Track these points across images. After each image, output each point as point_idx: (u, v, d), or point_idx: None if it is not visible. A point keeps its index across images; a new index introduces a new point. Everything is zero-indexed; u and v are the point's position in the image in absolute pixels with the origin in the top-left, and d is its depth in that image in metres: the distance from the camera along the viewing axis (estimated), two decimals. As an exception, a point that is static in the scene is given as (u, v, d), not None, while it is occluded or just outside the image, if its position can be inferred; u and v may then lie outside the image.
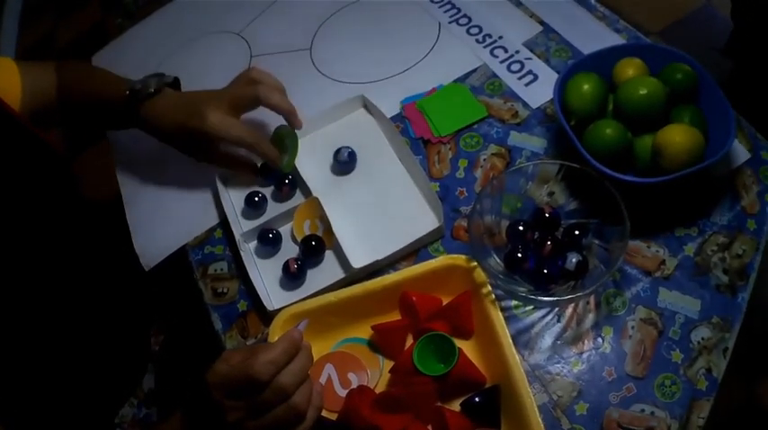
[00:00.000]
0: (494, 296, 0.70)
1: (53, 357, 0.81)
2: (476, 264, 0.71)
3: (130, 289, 1.00)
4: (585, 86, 0.77)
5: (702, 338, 0.70)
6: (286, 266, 0.78)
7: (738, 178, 0.79)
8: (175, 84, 0.91)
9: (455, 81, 0.92)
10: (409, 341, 0.73)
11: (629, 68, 0.79)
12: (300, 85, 0.96)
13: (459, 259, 0.72)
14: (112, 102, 0.87)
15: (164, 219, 0.88)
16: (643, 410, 0.67)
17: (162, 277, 0.88)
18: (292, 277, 0.78)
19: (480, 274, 0.71)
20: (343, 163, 0.86)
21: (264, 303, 0.76)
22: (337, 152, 0.87)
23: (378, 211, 0.82)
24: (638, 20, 0.93)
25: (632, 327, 0.72)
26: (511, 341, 0.67)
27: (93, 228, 0.93)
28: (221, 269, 0.83)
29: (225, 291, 0.82)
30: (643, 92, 0.75)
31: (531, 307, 0.74)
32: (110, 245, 0.96)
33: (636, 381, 0.68)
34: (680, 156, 0.72)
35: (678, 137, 0.72)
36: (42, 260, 0.79)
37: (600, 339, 0.71)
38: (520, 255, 0.72)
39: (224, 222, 0.85)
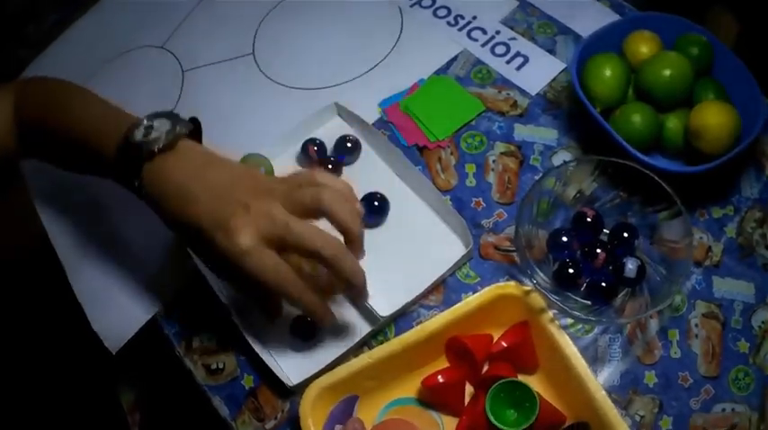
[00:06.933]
0: (558, 322, 0.61)
1: None
2: (529, 288, 0.62)
3: (90, 365, 0.82)
4: (608, 71, 0.69)
5: (763, 322, 0.67)
6: (296, 324, 0.65)
7: (757, 146, 0.75)
8: (195, 129, 0.61)
9: (436, 73, 0.81)
10: (468, 390, 0.63)
11: (643, 44, 0.72)
12: (250, 97, 0.80)
13: (509, 287, 0.63)
14: (97, 150, 0.59)
15: (122, 288, 0.70)
16: (724, 409, 0.63)
17: (135, 353, 0.70)
18: (305, 336, 0.65)
19: (537, 299, 0.62)
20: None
21: (281, 378, 0.62)
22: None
23: (391, 244, 0.69)
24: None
25: (696, 325, 0.66)
26: (588, 369, 0.59)
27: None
28: (209, 339, 0.68)
29: (221, 366, 0.67)
30: (669, 72, 0.68)
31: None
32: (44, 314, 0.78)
33: (712, 382, 0.64)
34: (722, 138, 0.66)
35: (715, 118, 0.66)
36: None
37: (668, 344, 0.65)
38: (572, 270, 0.64)
39: (199, 279, 0.69)
